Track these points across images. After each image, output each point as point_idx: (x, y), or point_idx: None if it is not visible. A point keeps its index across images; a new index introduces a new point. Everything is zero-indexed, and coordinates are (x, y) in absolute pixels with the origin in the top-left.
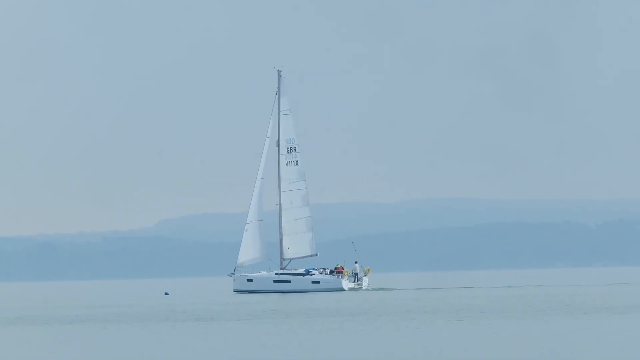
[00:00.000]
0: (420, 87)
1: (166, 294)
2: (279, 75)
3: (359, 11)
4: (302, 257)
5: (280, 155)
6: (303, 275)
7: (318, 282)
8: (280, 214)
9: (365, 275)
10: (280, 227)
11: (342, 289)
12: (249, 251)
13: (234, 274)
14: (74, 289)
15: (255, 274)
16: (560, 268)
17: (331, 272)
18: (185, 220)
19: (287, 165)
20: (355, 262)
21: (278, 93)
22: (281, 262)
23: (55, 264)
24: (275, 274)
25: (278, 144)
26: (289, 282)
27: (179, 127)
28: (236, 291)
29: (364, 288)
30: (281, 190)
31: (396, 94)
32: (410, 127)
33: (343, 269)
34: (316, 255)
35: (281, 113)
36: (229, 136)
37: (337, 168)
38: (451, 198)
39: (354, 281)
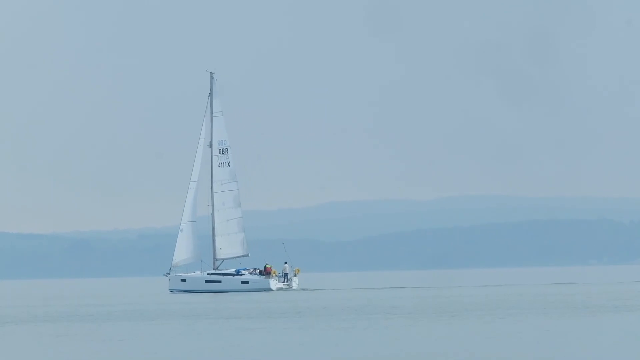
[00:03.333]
0: (422, 85)
1: None
2: (212, 78)
3: (359, 10)
4: (234, 258)
5: (213, 157)
6: (233, 275)
7: (247, 282)
8: (212, 215)
9: (295, 276)
10: (213, 228)
11: (270, 289)
12: (182, 251)
13: (169, 274)
14: (108, 286)
15: (189, 274)
16: (595, 265)
17: (260, 273)
18: None
19: (219, 166)
20: (285, 263)
21: (211, 95)
22: (214, 262)
23: (90, 261)
24: (208, 274)
25: (210, 146)
26: (220, 282)
27: None
28: (171, 290)
29: (293, 288)
30: (213, 191)
31: (399, 92)
32: (426, 123)
33: (271, 269)
34: (247, 255)
35: (213, 115)
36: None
37: (363, 166)
38: (484, 195)
39: (284, 281)
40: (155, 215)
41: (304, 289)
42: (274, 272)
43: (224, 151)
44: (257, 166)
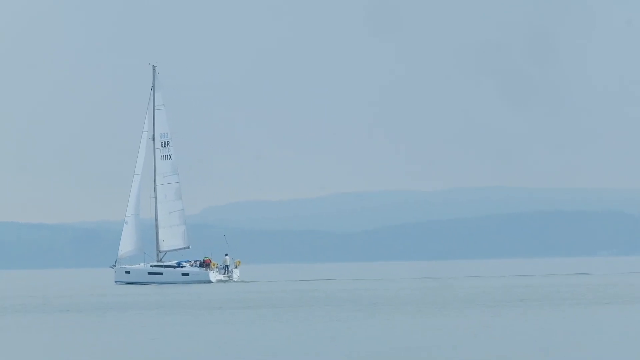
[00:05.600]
0: (422, 85)
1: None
2: (154, 71)
3: (359, 10)
4: (176, 250)
5: (155, 150)
6: (174, 267)
7: (187, 274)
8: (156, 207)
9: (236, 268)
10: (157, 220)
11: (209, 281)
12: (127, 244)
13: (115, 266)
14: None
15: (133, 266)
16: (604, 256)
17: (200, 265)
18: (231, 207)
19: (161, 159)
20: (226, 255)
21: (153, 88)
22: (157, 255)
23: (97, 251)
24: (150, 266)
25: (153, 139)
26: (162, 274)
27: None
28: (117, 282)
29: (234, 280)
30: (156, 183)
31: (399, 92)
32: (426, 122)
33: (211, 261)
34: (188, 247)
35: (156, 108)
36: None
37: (368, 159)
38: (489, 187)
39: (224, 273)
40: None
41: (244, 281)
42: (214, 265)
43: (165, 144)
44: (256, 164)
